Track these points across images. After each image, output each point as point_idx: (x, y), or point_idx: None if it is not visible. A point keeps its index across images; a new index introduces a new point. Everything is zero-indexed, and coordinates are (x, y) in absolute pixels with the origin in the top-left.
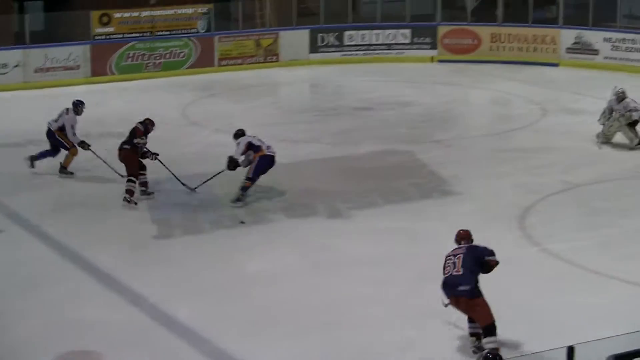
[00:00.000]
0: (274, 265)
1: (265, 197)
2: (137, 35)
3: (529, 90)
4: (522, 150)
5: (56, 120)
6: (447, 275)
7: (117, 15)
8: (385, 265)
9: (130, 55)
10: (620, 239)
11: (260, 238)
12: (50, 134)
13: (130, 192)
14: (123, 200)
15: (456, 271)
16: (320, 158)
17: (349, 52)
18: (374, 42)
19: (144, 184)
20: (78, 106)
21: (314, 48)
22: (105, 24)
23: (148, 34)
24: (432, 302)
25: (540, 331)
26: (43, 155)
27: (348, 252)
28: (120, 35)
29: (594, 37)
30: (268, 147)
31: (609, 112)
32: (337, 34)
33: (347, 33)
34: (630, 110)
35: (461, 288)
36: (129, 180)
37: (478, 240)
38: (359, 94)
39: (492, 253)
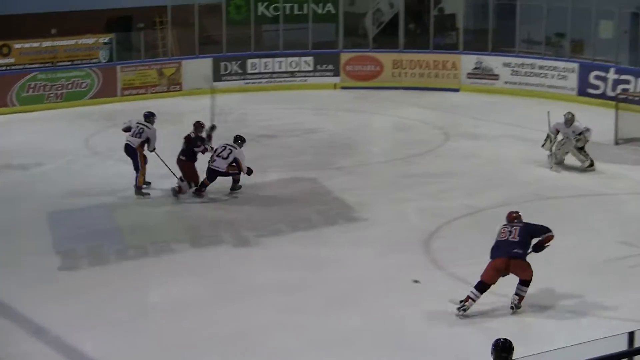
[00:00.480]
0: (180, 296)
1: (170, 227)
2: (39, 65)
3: (431, 116)
4: (426, 175)
5: (138, 137)
6: (502, 239)
7: (18, 45)
8: (294, 293)
9: (32, 86)
10: None
11: (167, 268)
12: (131, 150)
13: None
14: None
15: (512, 237)
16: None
17: (252, 80)
18: (277, 70)
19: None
20: (152, 117)
21: (217, 76)
22: (6, 55)
23: (49, 64)
24: (343, 328)
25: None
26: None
27: (256, 280)
28: (21, 66)
29: (494, 62)
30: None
31: (555, 136)
32: (240, 62)
33: (250, 61)
34: (581, 133)
35: (516, 251)
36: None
37: (384, 264)
38: (263, 121)
39: (547, 230)
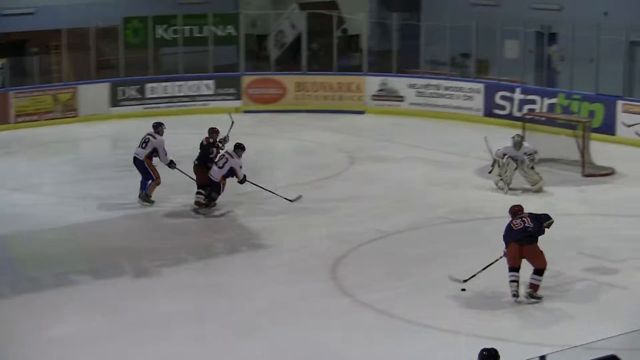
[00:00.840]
0: (81, 330)
1: (69, 258)
2: None
3: (336, 139)
4: (332, 200)
5: (144, 147)
6: (520, 228)
7: None
8: (198, 323)
9: None
10: (431, 287)
11: (66, 301)
12: (138, 162)
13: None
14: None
15: (528, 225)
16: (126, 215)
17: (152, 105)
18: (177, 94)
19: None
20: (160, 127)
21: (115, 101)
22: None
23: None
24: (248, 358)
25: None
26: (143, 186)
27: (158, 311)
28: None
29: (399, 83)
30: None
31: (502, 160)
32: (138, 86)
33: (148, 85)
34: (532, 153)
35: (533, 237)
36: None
37: (290, 292)
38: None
39: (548, 217)
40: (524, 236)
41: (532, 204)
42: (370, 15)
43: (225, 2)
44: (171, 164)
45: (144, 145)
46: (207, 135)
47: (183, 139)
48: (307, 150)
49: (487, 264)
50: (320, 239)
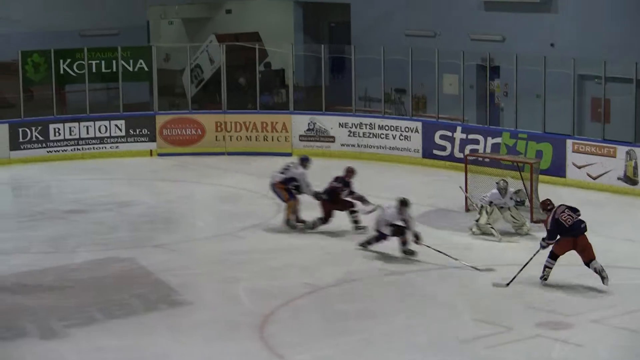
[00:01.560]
0: None
1: None
2: None
3: (261, 184)
4: (258, 251)
5: (282, 173)
6: (575, 221)
7: None
8: None
9: None
10: (366, 344)
11: None
12: (271, 186)
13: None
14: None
15: (577, 218)
16: (30, 270)
17: (56, 148)
18: (84, 136)
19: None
20: (306, 162)
21: (14, 145)
22: None
23: None
24: None
25: None
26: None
27: None
28: None
29: (329, 122)
30: None
31: (489, 207)
32: (41, 127)
33: (52, 126)
34: (515, 195)
35: (585, 229)
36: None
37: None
38: (70, 194)
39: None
40: (582, 228)
41: (477, 252)
42: (297, 48)
43: (136, 34)
44: (317, 195)
45: (281, 171)
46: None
47: (91, 186)
48: (229, 197)
49: (526, 261)
50: (245, 295)
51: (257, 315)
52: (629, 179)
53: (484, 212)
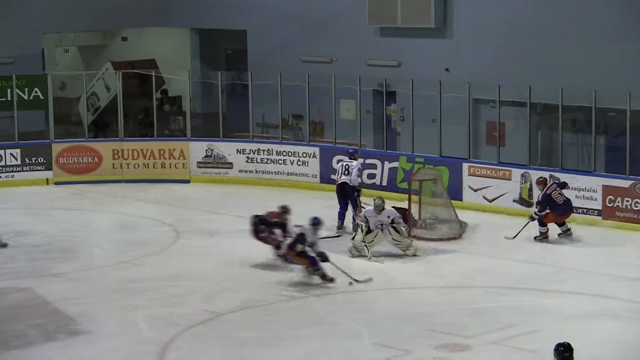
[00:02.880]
0: None
1: None
2: None
3: (159, 211)
4: (157, 279)
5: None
6: (565, 199)
7: None
8: None
9: None
10: None
11: None
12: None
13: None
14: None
15: (565, 197)
16: None
17: None
18: None
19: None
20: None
21: None
22: None
23: None
24: None
25: None
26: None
27: None
28: None
29: (227, 148)
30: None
31: (365, 225)
32: None
33: None
34: (397, 219)
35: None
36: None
37: None
38: None
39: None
40: (571, 207)
41: (374, 276)
42: (194, 75)
43: (31, 62)
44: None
45: (346, 172)
46: None
47: None
48: (127, 225)
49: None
50: (144, 323)
51: (157, 344)
52: (524, 201)
53: (359, 230)
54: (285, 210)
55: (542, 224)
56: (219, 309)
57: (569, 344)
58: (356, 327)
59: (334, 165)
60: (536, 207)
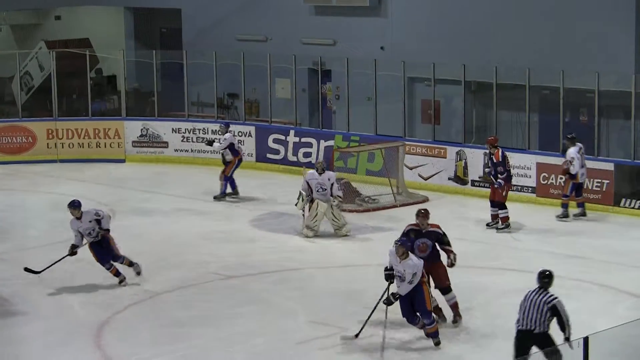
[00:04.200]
0: None
1: None
2: None
3: (94, 191)
4: (92, 259)
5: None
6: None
7: None
8: None
9: None
10: (203, 351)
11: None
12: None
13: None
14: None
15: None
16: None
17: None
18: None
19: None
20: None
21: None
22: None
23: None
24: None
25: None
26: None
27: None
28: None
29: (162, 128)
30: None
31: (307, 194)
32: None
33: None
34: (336, 180)
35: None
36: None
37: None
38: None
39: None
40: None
41: (310, 254)
42: (128, 54)
43: None
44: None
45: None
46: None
47: None
48: (62, 205)
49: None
50: (79, 304)
51: (92, 324)
52: (459, 179)
53: (300, 199)
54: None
55: (503, 206)
56: (156, 288)
57: (550, 272)
58: (292, 305)
59: (270, 144)
60: (493, 171)
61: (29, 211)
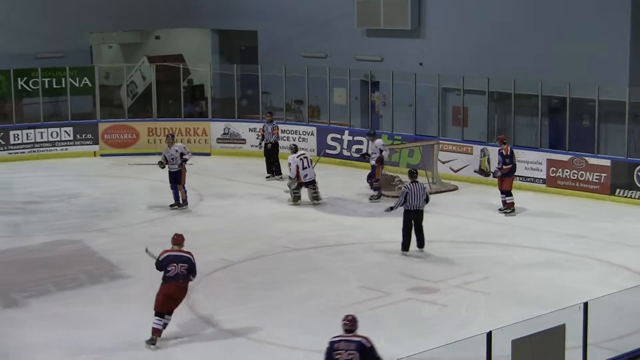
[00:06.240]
0: None
1: None
2: None
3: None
4: (184, 233)
5: None
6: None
7: None
8: (61, 350)
9: None
10: (272, 309)
11: None
12: None
13: None
14: None
15: None
16: None
17: (16, 151)
18: (39, 140)
19: None
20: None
21: None
22: None
23: None
24: None
25: None
26: None
27: (25, 340)
28: None
29: (241, 127)
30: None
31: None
32: (2, 134)
33: (12, 132)
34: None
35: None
36: None
37: (148, 319)
38: (27, 188)
39: None
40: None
41: (362, 232)
42: (214, 67)
43: (81, 56)
44: None
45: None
46: None
47: (45, 181)
48: (159, 190)
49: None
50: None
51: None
52: (482, 172)
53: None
54: None
55: (509, 193)
56: (234, 257)
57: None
58: (345, 273)
59: (328, 141)
60: (500, 164)
61: (133, 194)
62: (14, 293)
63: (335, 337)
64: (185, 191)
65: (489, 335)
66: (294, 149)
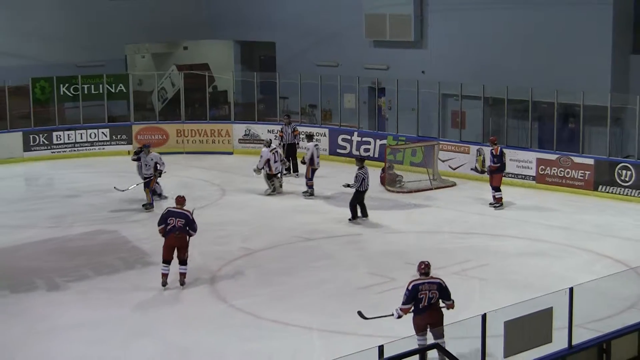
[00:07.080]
0: (2, 336)
1: None
2: None
3: (209, 175)
4: (209, 224)
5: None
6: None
7: None
8: (98, 328)
9: None
10: (289, 293)
11: None
12: None
13: None
14: None
15: None
16: (38, 240)
17: (58, 150)
18: (79, 140)
19: None
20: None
21: (27, 147)
22: None
23: None
24: (141, 356)
25: None
26: None
27: (66, 318)
28: None
29: (260, 129)
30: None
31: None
32: (46, 134)
33: (55, 133)
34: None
35: None
36: None
37: (175, 300)
38: (68, 184)
39: None
40: None
41: (368, 224)
42: (236, 75)
43: (117, 65)
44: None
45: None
46: None
47: (84, 177)
48: (186, 185)
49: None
50: (199, 257)
51: (209, 272)
52: (477, 170)
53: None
54: None
55: (498, 189)
56: (254, 246)
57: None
58: (354, 260)
59: (339, 142)
60: (490, 162)
61: (164, 189)
62: (56, 278)
63: (417, 280)
64: (152, 196)
65: (484, 317)
66: (268, 144)
